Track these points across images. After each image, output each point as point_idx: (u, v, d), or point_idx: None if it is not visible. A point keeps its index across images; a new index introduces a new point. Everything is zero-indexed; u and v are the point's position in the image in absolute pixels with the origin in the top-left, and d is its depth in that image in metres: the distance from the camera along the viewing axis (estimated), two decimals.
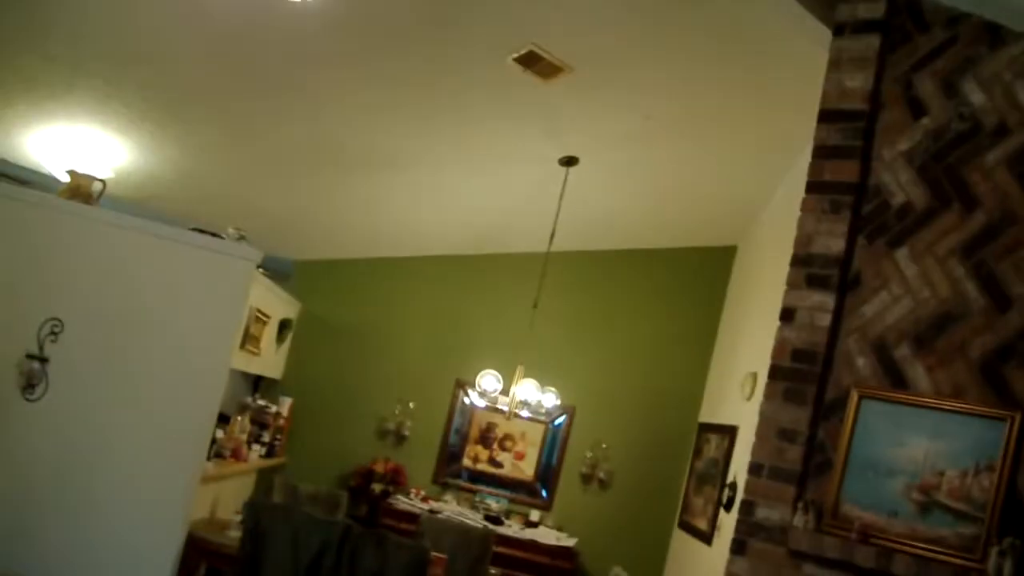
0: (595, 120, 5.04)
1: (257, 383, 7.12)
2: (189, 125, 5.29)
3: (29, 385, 4.42)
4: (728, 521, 4.99)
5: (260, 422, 6.50)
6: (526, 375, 5.76)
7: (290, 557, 4.51)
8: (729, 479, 5.35)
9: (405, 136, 5.21)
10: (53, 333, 4.46)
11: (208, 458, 5.09)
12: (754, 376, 5.19)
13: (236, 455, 5.73)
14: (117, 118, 5.18)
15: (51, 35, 4.34)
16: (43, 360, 4.43)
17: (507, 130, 5.16)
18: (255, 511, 4.61)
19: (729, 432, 5.65)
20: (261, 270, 6.11)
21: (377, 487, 6.66)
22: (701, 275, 7.13)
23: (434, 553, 5.00)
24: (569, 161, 5.48)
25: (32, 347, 4.43)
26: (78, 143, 5.54)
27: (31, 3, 4.08)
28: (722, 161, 5.48)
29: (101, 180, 4.94)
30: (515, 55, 4.27)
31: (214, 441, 5.33)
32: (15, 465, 4.43)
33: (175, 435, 4.53)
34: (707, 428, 6.38)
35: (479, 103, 4.82)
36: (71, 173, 4.87)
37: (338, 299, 7.33)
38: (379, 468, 6.75)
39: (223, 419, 6.00)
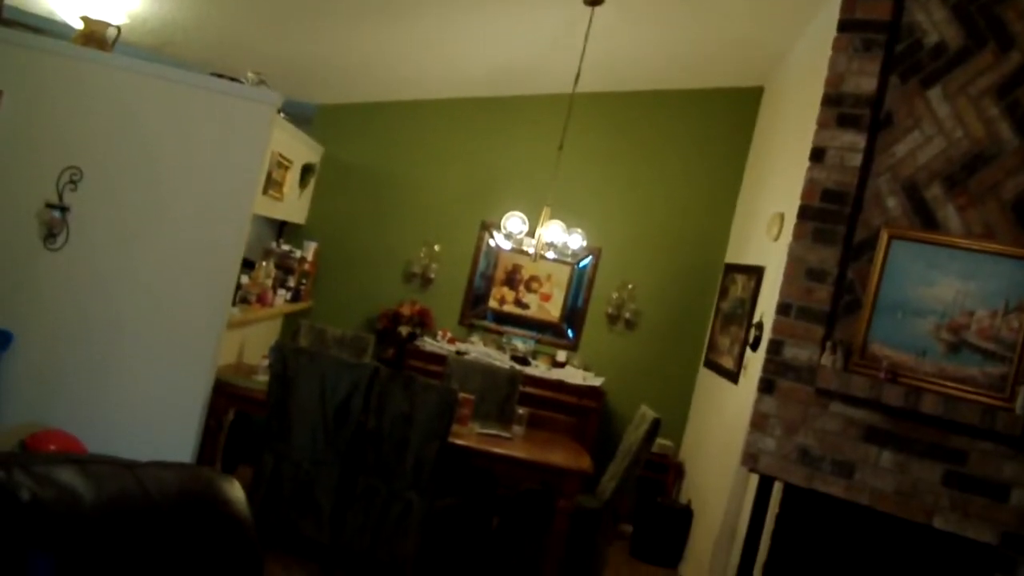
0: None
1: (281, 228, 7.10)
2: None
3: (50, 235, 4.40)
4: (755, 360, 5.01)
5: (285, 267, 6.51)
6: (552, 217, 5.68)
7: (318, 400, 4.58)
8: (756, 319, 5.33)
9: None
10: (72, 182, 4.42)
11: (233, 303, 5.12)
12: (781, 216, 5.09)
13: (262, 300, 5.76)
14: None
15: None
16: (63, 209, 4.40)
17: None
18: (282, 355, 4.65)
19: (756, 272, 5.60)
20: (282, 114, 5.99)
21: (404, 329, 6.72)
22: (728, 116, 6.93)
23: (461, 394, 5.08)
24: (594, 1, 5.20)
25: (52, 196, 4.40)
26: None
27: None
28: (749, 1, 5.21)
29: (116, 26, 4.79)
30: None
31: (239, 287, 5.35)
32: (40, 315, 4.47)
33: (200, 281, 4.54)
34: (733, 268, 6.33)
35: None
36: (85, 19, 4.71)
37: (361, 143, 7.21)
38: (405, 310, 6.79)
39: (248, 265, 6.02)
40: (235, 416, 5.54)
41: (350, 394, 4.58)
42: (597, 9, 5.27)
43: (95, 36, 4.63)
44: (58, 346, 4.48)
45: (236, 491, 2.38)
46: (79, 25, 4.77)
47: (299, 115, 6.65)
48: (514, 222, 5.68)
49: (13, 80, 4.40)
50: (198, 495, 2.32)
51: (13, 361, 4.44)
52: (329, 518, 4.60)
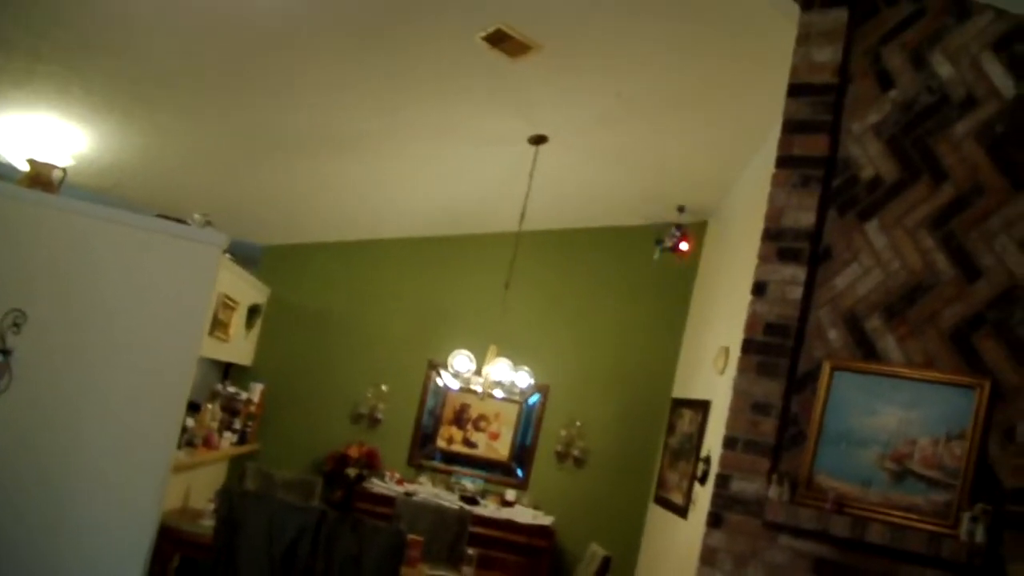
0: (565, 97, 5.02)
1: (227, 370, 7.06)
2: (151, 112, 5.20)
3: None
4: (703, 495, 5.03)
5: (231, 409, 6.45)
6: (499, 354, 5.75)
7: (265, 545, 4.48)
8: (703, 453, 5.38)
9: (370, 117, 5.16)
10: (15, 324, 4.39)
11: (179, 447, 5.04)
12: (726, 351, 5.22)
13: (208, 443, 5.68)
14: (78, 105, 5.08)
15: (5, 18, 4.24)
16: (6, 352, 4.35)
17: (475, 110, 5.12)
18: (228, 499, 4.57)
19: (702, 407, 5.68)
20: (228, 255, 6.05)
21: (352, 471, 6.63)
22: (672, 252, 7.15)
23: (411, 536, 5.00)
24: (538, 140, 5.45)
25: None
26: (37, 131, 5.43)
27: None
28: (692, 139, 5.49)
29: (62, 168, 4.85)
30: (483, 33, 4.23)
31: (185, 430, 5.27)
32: None
33: (144, 426, 4.46)
34: (681, 403, 6.42)
35: (446, 81, 4.78)
36: (31, 162, 4.78)
37: (307, 283, 7.27)
38: (353, 452, 6.71)
39: (194, 407, 5.95)
40: (180, 561, 5.37)
41: (297, 537, 4.49)
42: (541, 148, 5.50)
43: (41, 178, 4.67)
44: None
45: None
46: (25, 167, 4.83)
47: (245, 256, 6.71)
48: (461, 360, 5.72)
49: None
50: None
51: None
52: None
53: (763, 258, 3.90)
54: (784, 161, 3.88)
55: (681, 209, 6.32)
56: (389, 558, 4.37)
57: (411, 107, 5.05)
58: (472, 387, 5.85)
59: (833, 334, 3.73)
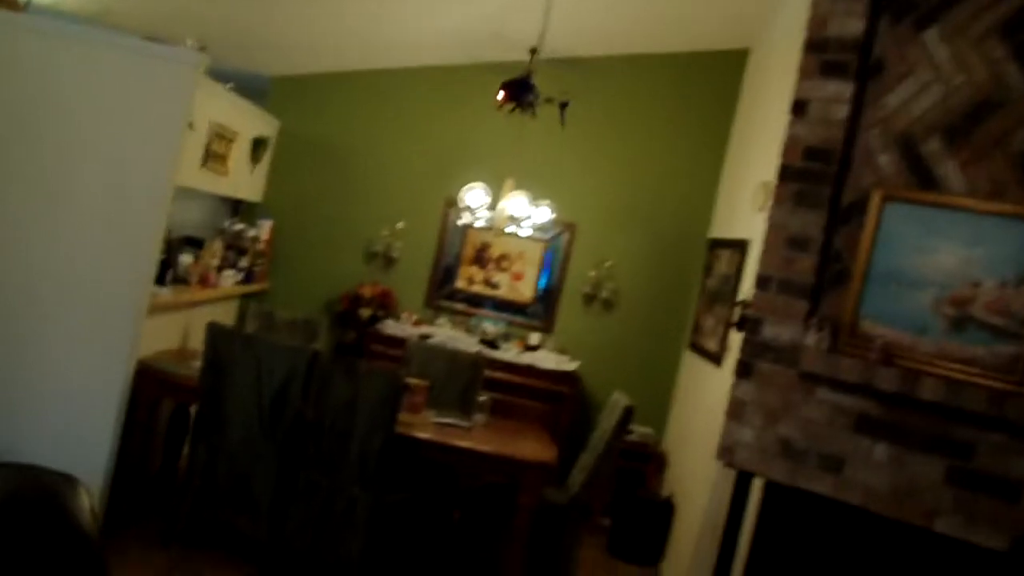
0: None
1: (237, 207, 6.64)
2: None
3: None
4: (739, 342, 4.58)
5: (237, 247, 6.06)
6: (520, 189, 5.23)
7: (253, 387, 4.16)
8: (740, 297, 4.90)
9: None
10: None
11: (164, 284, 4.67)
12: (767, 186, 4.65)
13: (204, 282, 5.31)
14: None
15: None
16: None
17: None
18: (213, 339, 4.23)
19: (740, 247, 5.17)
20: (230, 86, 5.54)
21: (365, 312, 6.29)
22: (710, 81, 6.48)
23: (415, 380, 4.66)
24: None
25: None
26: None
27: None
28: None
29: None
30: None
31: (170, 266, 4.90)
32: None
33: (116, 261, 4.09)
34: (718, 243, 5.90)
35: None
36: None
37: (319, 117, 6.74)
38: (366, 292, 6.35)
39: (196, 244, 5.58)
40: (176, 407, 5.11)
41: (287, 381, 4.16)
42: None
43: None
44: None
45: (81, 499, 1.95)
46: None
47: (252, 87, 6.17)
48: (475, 195, 5.21)
49: None
50: (32, 500, 1.90)
51: None
52: (267, 514, 4.20)
53: (804, 73, 3.34)
54: None
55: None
56: (385, 403, 4.02)
57: None
58: (486, 223, 5.35)
59: (884, 159, 3.18)
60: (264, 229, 6.40)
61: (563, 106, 5.12)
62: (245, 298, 6.28)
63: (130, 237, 4.09)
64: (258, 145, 6.23)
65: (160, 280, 4.55)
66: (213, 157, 5.32)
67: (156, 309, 4.45)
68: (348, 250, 6.65)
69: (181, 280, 5.08)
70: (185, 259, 5.19)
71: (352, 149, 6.69)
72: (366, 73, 6.70)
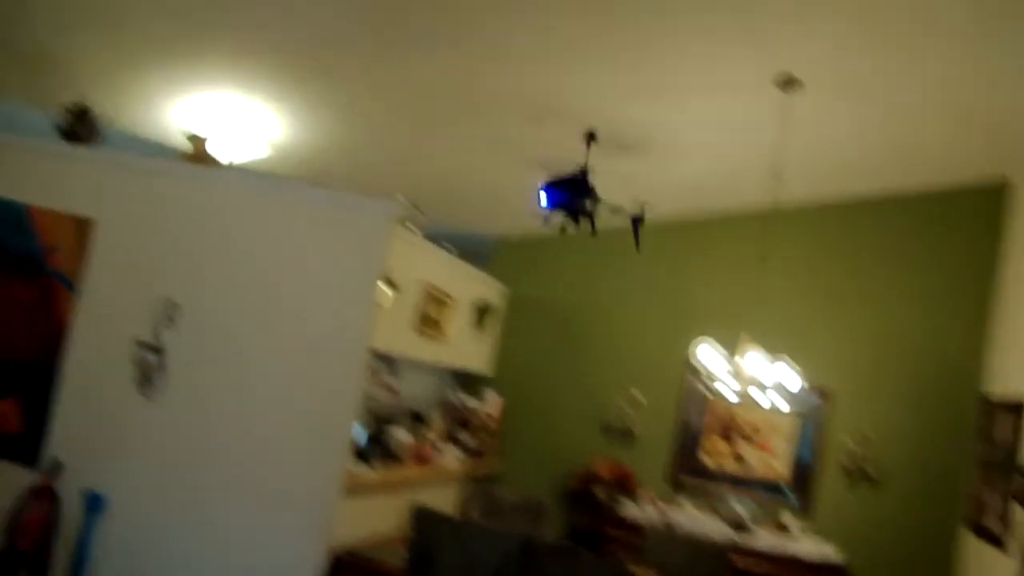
0: (816, 28, 3.65)
1: (463, 380, 6.24)
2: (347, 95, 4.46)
3: (145, 379, 3.74)
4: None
5: (461, 420, 5.61)
6: (762, 349, 4.42)
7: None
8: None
9: (584, 78, 4.10)
10: (169, 318, 3.77)
11: (366, 460, 4.25)
12: None
13: (421, 459, 4.85)
14: (267, 84, 4.44)
15: None
16: (158, 351, 3.74)
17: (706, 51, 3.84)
18: (418, 523, 3.72)
19: (1016, 410, 4.15)
20: (446, 246, 5.25)
21: (601, 492, 5.59)
22: (962, 221, 5.59)
23: (645, 572, 3.91)
24: (787, 83, 4.04)
25: (144, 334, 3.77)
26: (229, 116, 4.90)
27: None
28: (985, 70, 3.89)
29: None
30: None
31: (378, 442, 4.48)
32: (136, 475, 3.81)
33: (303, 430, 3.70)
34: (994, 405, 4.84)
35: (667, 23, 3.60)
36: (192, 139, 4.24)
37: (543, 278, 6.36)
38: (603, 471, 5.68)
39: (418, 419, 5.20)
40: None
41: (500, 569, 3.54)
42: (791, 95, 4.07)
43: (202, 155, 4.13)
44: (155, 511, 3.77)
45: None
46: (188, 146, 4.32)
47: (473, 251, 5.87)
48: (709, 354, 4.43)
49: (110, 206, 3.97)
50: None
51: (107, 527, 3.76)
52: None
53: None
54: None
55: None
56: None
57: (623, 58, 3.91)
58: (719, 387, 4.54)
59: None
60: (493, 404, 5.94)
61: (636, 222, 4.23)
62: (471, 478, 5.76)
63: (321, 405, 3.71)
64: (482, 311, 5.87)
65: (365, 456, 4.13)
66: (427, 321, 4.97)
67: (359, 489, 4.02)
68: (581, 421, 6.07)
69: (392, 457, 4.64)
70: (399, 434, 4.78)
71: (580, 311, 6.22)
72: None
